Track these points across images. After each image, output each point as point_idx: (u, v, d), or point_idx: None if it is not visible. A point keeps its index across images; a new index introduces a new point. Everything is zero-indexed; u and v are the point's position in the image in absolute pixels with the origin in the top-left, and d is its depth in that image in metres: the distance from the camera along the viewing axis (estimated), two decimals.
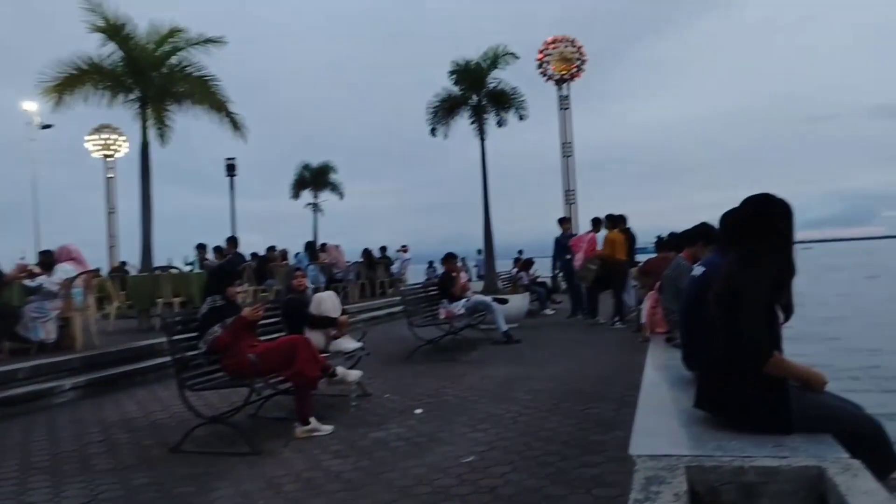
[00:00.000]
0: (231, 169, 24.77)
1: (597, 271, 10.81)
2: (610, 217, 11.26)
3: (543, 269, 22.39)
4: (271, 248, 15.35)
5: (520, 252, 19.58)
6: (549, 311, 13.85)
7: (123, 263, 19.38)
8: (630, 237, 11.27)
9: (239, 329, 4.83)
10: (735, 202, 2.96)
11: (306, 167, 28.37)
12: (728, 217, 3.78)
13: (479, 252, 19.67)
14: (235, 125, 14.14)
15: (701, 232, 5.68)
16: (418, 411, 5.45)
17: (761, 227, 2.73)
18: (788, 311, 2.75)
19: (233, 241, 12.64)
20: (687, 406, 3.04)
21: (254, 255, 15.30)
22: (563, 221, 13.73)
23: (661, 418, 3.13)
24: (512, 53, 14.14)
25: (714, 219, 3.99)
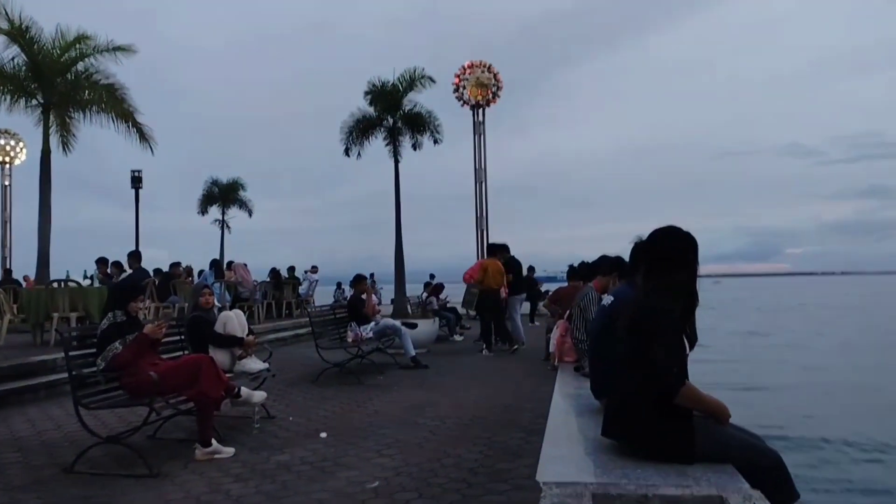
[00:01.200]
0: (137, 181, 23.59)
1: (478, 297, 11.05)
2: (490, 246, 11.61)
3: (454, 295, 22.54)
4: (175, 264, 14.71)
5: (431, 276, 19.64)
6: (457, 338, 13.91)
7: (9, 272, 18.08)
8: (513, 266, 11.56)
9: (140, 346, 4.60)
10: (639, 232, 3.07)
11: (215, 183, 27.54)
12: (637, 248, 3.93)
13: (433, 276, 19.59)
14: (142, 136, 13.64)
15: (615, 263, 5.89)
16: (323, 435, 5.31)
17: (670, 259, 2.83)
18: (692, 341, 2.85)
19: (136, 255, 12.07)
20: (594, 434, 3.10)
21: (157, 270, 14.62)
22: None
23: (569, 446, 3.18)
24: (429, 77, 14.27)
25: (626, 249, 4.14)
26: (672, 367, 2.64)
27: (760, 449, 2.70)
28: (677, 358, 2.67)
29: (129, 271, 11.50)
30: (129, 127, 13.44)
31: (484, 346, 10.95)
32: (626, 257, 4.35)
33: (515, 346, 10.88)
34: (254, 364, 5.96)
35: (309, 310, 11.34)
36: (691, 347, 2.85)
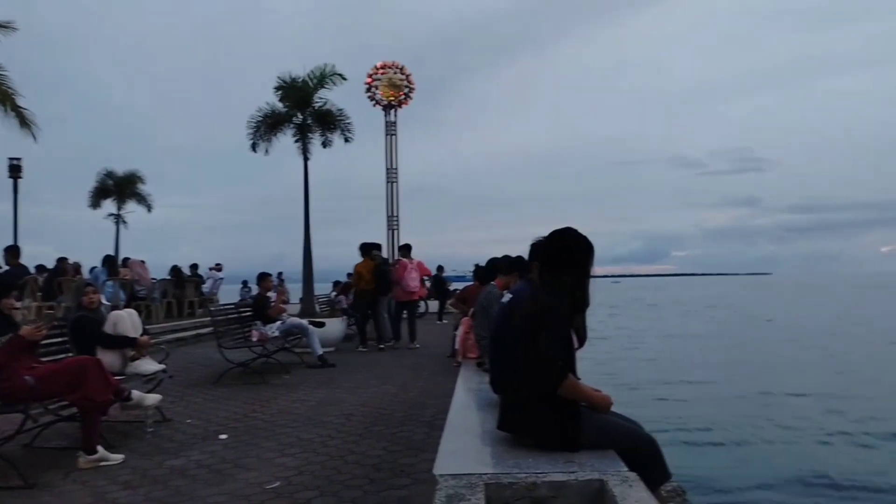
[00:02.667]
0: (15, 170, 21.91)
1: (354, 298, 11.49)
2: (363, 245, 11.80)
3: None
4: (62, 260, 13.83)
5: (349, 276, 19.50)
6: None
7: None
8: (382, 267, 11.84)
9: (15, 348, 4.29)
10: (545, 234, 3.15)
11: (110, 175, 25.96)
12: (534, 247, 4.04)
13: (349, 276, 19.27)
14: (23, 121, 12.68)
15: (515, 262, 6.04)
16: (223, 437, 5.17)
17: (563, 259, 2.93)
18: (582, 339, 2.97)
19: (13, 251, 11.23)
20: (492, 427, 3.18)
21: (40, 267, 13.73)
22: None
23: (467, 439, 3.24)
24: (339, 74, 14.04)
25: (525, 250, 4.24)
26: (557, 361, 2.75)
27: (638, 435, 2.86)
28: (563, 352, 2.78)
29: (6, 267, 10.74)
30: (7, 111, 12.45)
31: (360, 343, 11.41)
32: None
33: (384, 344, 11.29)
34: (148, 365, 5.72)
35: (212, 308, 10.98)
36: (581, 344, 2.96)
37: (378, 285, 11.39)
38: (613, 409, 2.98)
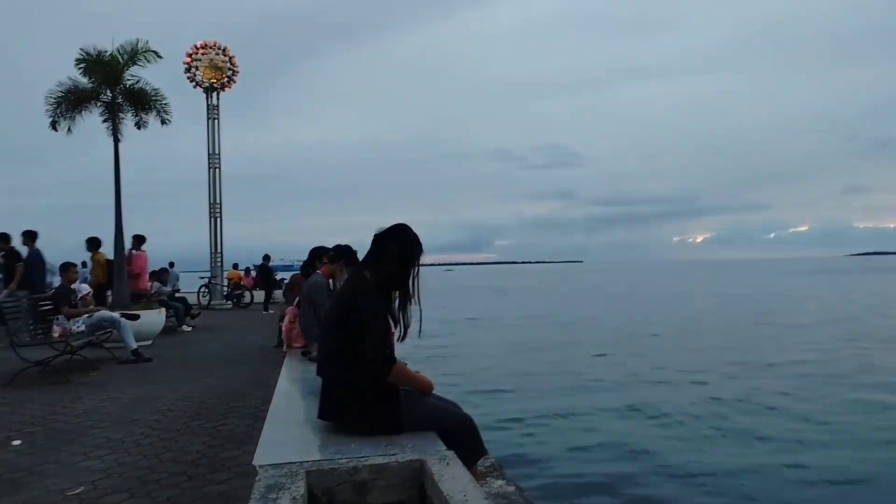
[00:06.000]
0: None
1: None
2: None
3: (189, 285, 21.22)
4: None
5: (171, 265, 18.39)
6: (187, 328, 13.17)
7: None
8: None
9: None
10: (380, 225, 3.21)
11: None
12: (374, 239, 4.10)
13: (172, 265, 17.95)
14: None
15: (343, 251, 6.04)
16: (16, 443, 4.69)
17: (383, 251, 3.02)
18: (404, 331, 3.07)
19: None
20: (315, 415, 3.17)
21: None
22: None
23: (289, 428, 3.22)
24: (154, 51, 13.03)
25: (361, 239, 4.26)
26: (384, 349, 2.83)
27: (456, 415, 3.02)
28: (385, 339, 2.86)
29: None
30: None
31: None
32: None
33: None
34: None
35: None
36: (404, 334, 3.07)
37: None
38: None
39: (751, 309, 30.57)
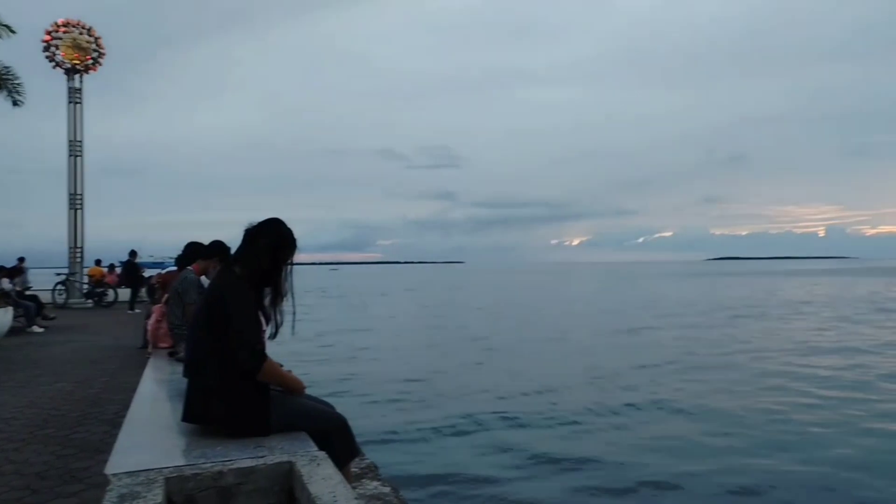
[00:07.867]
0: None
1: None
2: None
3: (43, 282, 19.54)
4: None
5: (20, 259, 16.86)
6: (38, 329, 12.12)
7: None
8: None
9: None
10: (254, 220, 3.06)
11: None
12: (244, 234, 3.91)
13: (22, 260, 16.28)
14: None
15: (217, 248, 5.75)
16: None
17: (254, 247, 2.88)
18: (276, 329, 2.95)
19: None
20: (179, 419, 2.98)
21: None
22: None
23: (150, 433, 3.00)
24: (6, 25, 11.95)
25: (234, 236, 4.06)
26: (254, 346, 2.70)
27: (329, 415, 2.93)
28: (255, 337, 2.74)
29: None
30: None
31: None
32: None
33: None
34: None
35: None
36: (276, 332, 2.94)
37: None
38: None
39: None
